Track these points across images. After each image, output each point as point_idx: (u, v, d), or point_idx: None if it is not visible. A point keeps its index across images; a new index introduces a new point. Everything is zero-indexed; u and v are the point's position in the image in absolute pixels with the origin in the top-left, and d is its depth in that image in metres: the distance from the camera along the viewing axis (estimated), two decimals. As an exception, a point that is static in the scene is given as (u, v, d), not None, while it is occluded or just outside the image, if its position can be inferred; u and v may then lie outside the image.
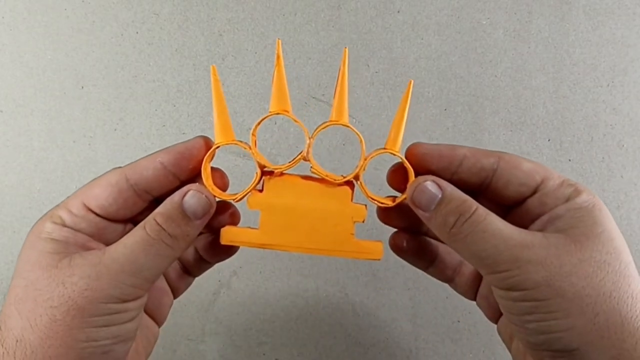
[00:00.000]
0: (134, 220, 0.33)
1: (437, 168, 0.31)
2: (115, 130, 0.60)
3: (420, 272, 0.38)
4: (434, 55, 0.60)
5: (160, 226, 0.30)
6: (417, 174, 0.32)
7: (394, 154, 0.32)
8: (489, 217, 0.29)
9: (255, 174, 0.32)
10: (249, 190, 0.32)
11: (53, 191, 0.61)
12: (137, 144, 0.60)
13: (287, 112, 0.32)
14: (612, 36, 0.61)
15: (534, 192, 0.31)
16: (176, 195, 0.30)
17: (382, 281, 0.60)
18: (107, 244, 0.31)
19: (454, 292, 0.39)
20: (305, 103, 0.60)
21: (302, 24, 0.60)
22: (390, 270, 0.60)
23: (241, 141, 0.32)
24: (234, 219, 0.34)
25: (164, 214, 0.30)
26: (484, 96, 0.61)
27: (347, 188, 0.33)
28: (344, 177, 0.33)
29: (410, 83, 0.32)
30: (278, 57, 0.32)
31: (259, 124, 0.32)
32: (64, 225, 0.30)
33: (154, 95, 0.60)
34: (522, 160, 0.31)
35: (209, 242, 0.36)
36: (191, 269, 0.38)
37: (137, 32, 0.60)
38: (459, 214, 0.29)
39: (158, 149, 0.31)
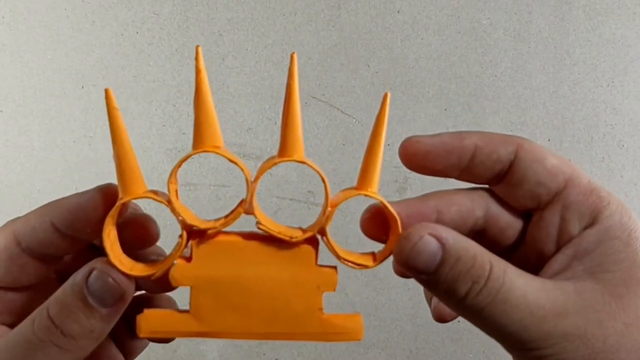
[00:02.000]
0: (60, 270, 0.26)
1: (444, 167, 0.25)
2: (115, 130, 0.60)
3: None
4: (434, 55, 0.60)
5: (52, 321, 0.21)
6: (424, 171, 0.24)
7: (371, 197, 0.24)
8: (507, 278, 0.22)
9: (178, 238, 0.23)
10: (170, 260, 0.23)
11: (53, 191, 0.61)
12: (137, 144, 0.60)
13: (218, 148, 0.23)
14: (612, 36, 0.61)
15: (553, 198, 0.24)
16: (78, 275, 0.22)
17: (382, 281, 0.60)
18: (21, 319, 0.24)
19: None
20: (305, 103, 0.60)
21: (302, 24, 0.60)
22: (390, 270, 0.60)
23: (155, 192, 0.23)
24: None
25: (59, 303, 0.22)
26: (484, 96, 0.61)
27: (308, 247, 0.24)
28: (304, 232, 0.24)
29: (387, 96, 0.23)
30: (199, 71, 0.22)
31: (177, 166, 0.23)
32: None
33: (154, 95, 0.60)
34: (547, 153, 0.24)
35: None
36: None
37: (137, 32, 0.60)
38: (471, 282, 0.22)
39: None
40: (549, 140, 0.61)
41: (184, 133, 0.60)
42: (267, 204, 0.59)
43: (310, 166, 0.23)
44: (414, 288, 0.60)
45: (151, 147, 0.60)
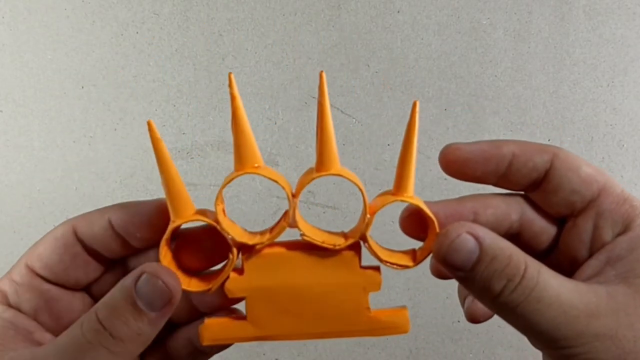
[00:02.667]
0: (92, 291, 0.27)
1: (483, 173, 0.26)
2: (115, 130, 0.60)
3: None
4: (434, 55, 0.60)
5: (101, 324, 0.22)
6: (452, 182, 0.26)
7: (408, 202, 0.25)
8: (541, 277, 0.22)
9: (230, 255, 0.25)
10: (225, 275, 0.25)
11: (53, 191, 0.61)
12: (137, 144, 0.60)
13: (259, 167, 0.24)
14: (612, 36, 0.61)
15: (587, 205, 0.25)
16: (128, 279, 0.23)
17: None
18: (61, 323, 0.25)
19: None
20: (305, 103, 0.60)
21: (302, 24, 0.60)
22: (390, 272, 0.60)
23: (204, 212, 0.25)
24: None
25: (108, 306, 0.22)
26: (484, 96, 0.61)
27: (351, 253, 0.25)
28: (346, 239, 0.25)
29: (416, 104, 0.24)
30: (234, 97, 0.24)
31: (223, 187, 0.24)
32: (8, 304, 0.25)
33: (154, 95, 0.60)
34: (581, 162, 0.25)
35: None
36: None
37: (137, 32, 0.60)
38: (506, 279, 0.22)
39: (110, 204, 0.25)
40: (549, 140, 0.61)
41: (184, 133, 0.60)
42: (267, 204, 0.59)
43: (348, 178, 0.24)
44: (414, 288, 0.60)
45: (151, 147, 0.60)
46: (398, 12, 0.60)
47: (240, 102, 0.24)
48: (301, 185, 0.24)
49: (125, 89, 0.60)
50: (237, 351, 0.63)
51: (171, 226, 0.24)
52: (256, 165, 0.24)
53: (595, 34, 0.61)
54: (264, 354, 0.62)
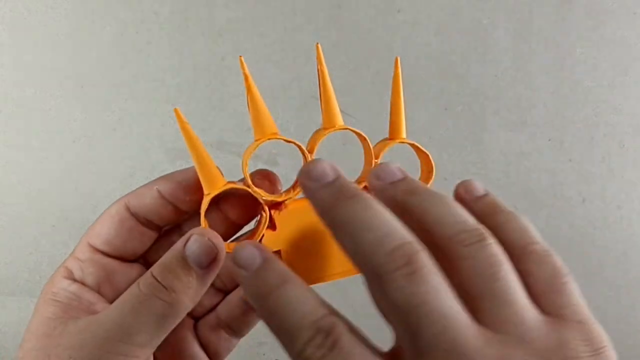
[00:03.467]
0: (148, 261, 0.30)
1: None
2: (114, 130, 0.60)
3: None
4: (434, 55, 0.60)
5: (155, 278, 0.25)
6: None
7: (405, 142, 0.28)
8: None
9: (262, 213, 0.28)
10: (260, 232, 0.28)
11: (53, 191, 0.61)
12: (137, 143, 0.60)
13: (276, 134, 0.28)
14: (612, 36, 0.61)
15: None
16: (179, 243, 0.26)
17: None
18: (120, 293, 0.27)
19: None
20: (305, 103, 0.60)
21: (302, 24, 0.60)
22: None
23: (234, 182, 0.28)
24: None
25: (162, 264, 0.25)
26: (485, 96, 0.61)
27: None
28: (359, 184, 0.28)
29: (397, 60, 0.27)
30: (246, 76, 0.27)
31: (248, 156, 0.27)
32: (73, 279, 0.27)
33: (154, 95, 0.60)
34: None
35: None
36: (234, 324, 0.31)
37: (136, 32, 0.60)
38: None
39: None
40: (549, 140, 0.61)
41: (183, 133, 0.60)
42: (281, 170, 0.59)
43: (352, 130, 0.28)
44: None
45: (151, 147, 0.60)
46: (398, 11, 0.60)
47: (252, 80, 0.28)
48: (314, 141, 0.28)
49: (124, 88, 0.60)
50: (236, 351, 0.63)
51: (207, 198, 0.26)
52: (274, 132, 0.27)
53: (596, 33, 0.61)
54: (264, 354, 0.62)
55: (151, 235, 0.28)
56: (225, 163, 0.61)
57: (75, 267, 0.28)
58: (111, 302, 0.27)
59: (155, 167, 0.60)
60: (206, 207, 0.26)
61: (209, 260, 0.25)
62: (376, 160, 0.28)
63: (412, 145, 0.28)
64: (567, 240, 0.62)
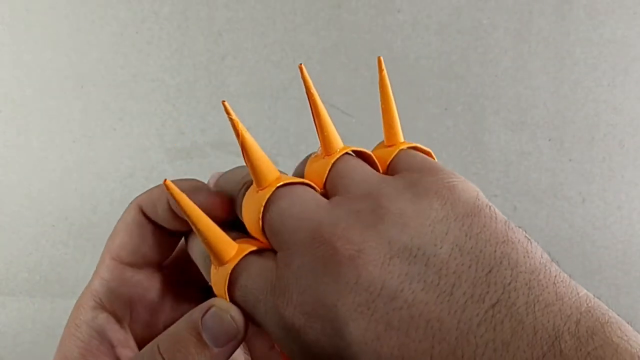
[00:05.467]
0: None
1: None
2: (114, 130, 0.60)
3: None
4: (434, 55, 0.60)
5: (162, 356, 0.22)
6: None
7: (405, 145, 0.26)
8: None
9: None
10: None
11: (52, 191, 0.61)
12: (137, 143, 0.60)
13: (280, 178, 0.24)
14: (612, 35, 0.61)
15: None
16: (195, 312, 0.22)
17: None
18: (154, 314, 0.25)
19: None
20: (306, 103, 0.60)
21: (302, 24, 0.60)
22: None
23: (247, 239, 0.24)
24: None
25: (171, 337, 0.22)
26: (485, 96, 0.61)
27: None
28: None
29: (380, 60, 0.25)
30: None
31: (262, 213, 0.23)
32: (101, 307, 0.25)
33: (154, 95, 0.60)
34: None
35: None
36: None
37: (136, 32, 0.60)
38: None
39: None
40: (549, 140, 0.61)
41: (183, 133, 0.60)
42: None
43: (357, 150, 0.25)
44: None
45: (150, 147, 0.60)
46: (398, 11, 0.60)
47: (242, 125, 0.24)
48: (318, 175, 0.24)
49: (124, 88, 0.60)
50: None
51: (224, 272, 0.22)
52: (278, 175, 0.23)
53: (596, 33, 0.61)
54: (263, 355, 0.62)
55: (168, 243, 0.26)
56: (225, 163, 0.61)
57: (102, 290, 0.25)
58: (143, 323, 0.25)
59: (155, 167, 0.60)
60: (226, 282, 0.22)
61: (227, 340, 0.22)
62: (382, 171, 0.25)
63: (414, 148, 0.25)
64: (567, 240, 0.62)
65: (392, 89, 0.26)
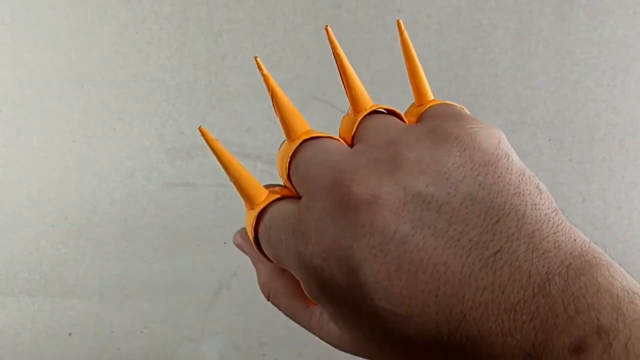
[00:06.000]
0: None
1: None
2: (114, 130, 0.60)
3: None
4: (434, 54, 0.60)
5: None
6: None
7: (437, 103, 0.25)
8: None
9: None
10: None
11: (52, 191, 0.61)
12: (137, 143, 0.60)
13: (309, 132, 0.25)
14: (612, 35, 0.61)
15: None
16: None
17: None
18: None
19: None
20: (305, 103, 0.60)
21: (302, 24, 0.60)
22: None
23: (274, 188, 0.26)
24: None
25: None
26: (485, 96, 0.61)
27: None
28: None
29: (399, 22, 0.25)
30: (267, 77, 0.26)
31: (286, 161, 0.24)
32: None
33: (154, 95, 0.60)
34: None
35: None
36: None
37: (136, 32, 0.60)
38: None
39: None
40: (549, 140, 0.61)
41: (183, 133, 0.60)
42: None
43: (385, 108, 0.25)
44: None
45: (150, 147, 0.60)
46: (398, 11, 0.60)
47: (274, 81, 0.25)
48: (347, 133, 0.24)
49: (124, 88, 0.60)
50: (237, 351, 0.63)
51: (252, 214, 0.24)
52: (307, 129, 0.24)
53: (596, 33, 0.61)
54: (263, 354, 0.62)
55: None
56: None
57: None
58: None
59: (155, 167, 0.60)
60: (253, 223, 0.24)
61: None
62: None
63: (446, 104, 0.25)
64: (567, 240, 0.62)
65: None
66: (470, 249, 0.18)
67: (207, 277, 0.62)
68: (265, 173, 0.59)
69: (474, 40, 0.61)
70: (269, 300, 0.26)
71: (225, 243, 0.60)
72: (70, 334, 0.62)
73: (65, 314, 0.62)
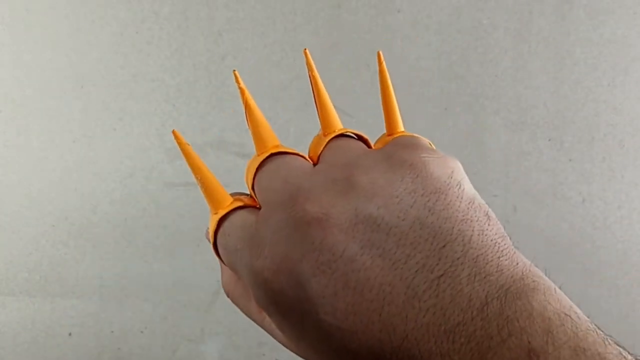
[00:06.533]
0: None
1: None
2: (114, 130, 0.60)
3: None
4: (434, 55, 0.60)
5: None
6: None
7: (405, 135, 0.26)
8: None
9: None
10: None
11: (52, 191, 0.61)
12: (137, 143, 0.60)
13: (278, 147, 0.26)
14: (612, 35, 0.61)
15: None
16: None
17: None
18: None
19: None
20: (305, 103, 0.60)
21: (302, 24, 0.60)
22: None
23: (239, 198, 0.26)
24: None
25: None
26: (485, 96, 0.61)
27: None
28: None
29: (379, 54, 0.26)
30: (242, 91, 0.27)
31: (253, 170, 0.26)
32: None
33: (154, 95, 0.60)
34: None
35: None
36: None
37: (136, 32, 0.60)
38: None
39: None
40: (549, 140, 0.61)
41: (183, 133, 0.60)
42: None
43: (353, 133, 0.26)
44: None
45: (150, 147, 0.60)
46: (398, 11, 0.60)
47: (249, 94, 0.27)
48: (315, 150, 0.26)
49: (124, 88, 0.60)
50: (237, 351, 0.63)
51: (215, 218, 0.25)
52: (276, 144, 0.25)
53: (596, 33, 0.61)
54: (263, 355, 0.62)
55: None
56: (226, 163, 0.61)
57: None
58: None
59: (155, 167, 0.60)
60: (214, 228, 0.25)
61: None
62: None
63: (413, 136, 0.26)
64: (567, 240, 0.62)
65: (395, 95, 0.26)
66: (416, 271, 0.18)
67: (207, 277, 0.62)
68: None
69: (474, 40, 0.61)
70: (228, 297, 0.26)
71: (225, 243, 0.60)
72: (70, 334, 0.62)
73: (65, 314, 0.62)
